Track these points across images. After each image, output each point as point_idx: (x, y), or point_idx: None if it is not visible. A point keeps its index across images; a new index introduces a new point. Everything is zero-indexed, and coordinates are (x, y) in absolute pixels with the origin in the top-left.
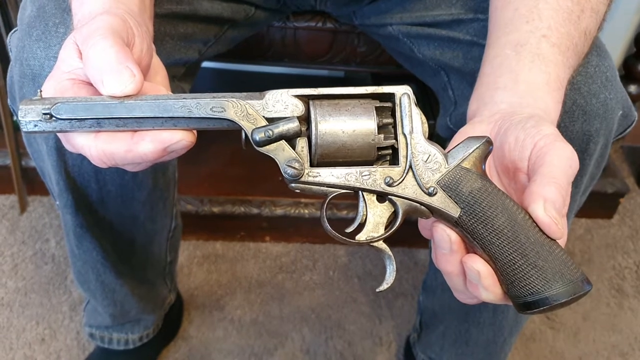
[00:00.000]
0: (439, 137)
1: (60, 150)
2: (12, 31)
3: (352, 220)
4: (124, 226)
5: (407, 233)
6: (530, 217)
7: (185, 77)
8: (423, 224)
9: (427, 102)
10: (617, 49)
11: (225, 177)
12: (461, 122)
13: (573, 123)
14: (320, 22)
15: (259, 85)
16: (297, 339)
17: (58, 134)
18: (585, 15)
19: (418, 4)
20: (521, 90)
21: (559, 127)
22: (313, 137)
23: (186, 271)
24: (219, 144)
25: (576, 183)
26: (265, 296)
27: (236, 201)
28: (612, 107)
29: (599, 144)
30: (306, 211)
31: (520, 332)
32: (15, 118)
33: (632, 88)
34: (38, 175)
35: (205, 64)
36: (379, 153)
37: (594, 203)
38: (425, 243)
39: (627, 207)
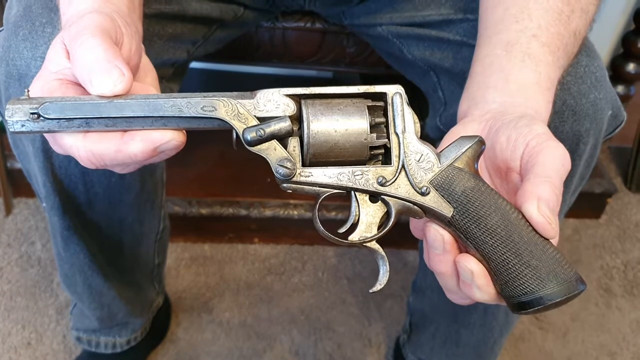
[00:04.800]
0: (429, 137)
1: (47, 151)
2: None
3: (341, 221)
4: (111, 228)
5: (395, 234)
6: (524, 216)
7: (174, 77)
8: (415, 224)
9: (416, 103)
10: (604, 49)
11: (214, 179)
12: (451, 122)
13: (563, 123)
14: (309, 23)
15: (247, 86)
16: (286, 341)
17: (45, 135)
18: (575, 15)
19: (407, 4)
20: (512, 90)
21: (549, 127)
22: (305, 136)
23: (174, 273)
24: (206, 145)
25: (566, 183)
26: (254, 298)
27: (224, 203)
28: (602, 107)
29: (589, 144)
30: (295, 212)
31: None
32: (0, 119)
33: (620, 88)
34: (23, 177)
35: (193, 65)
36: (372, 152)
37: (581, 203)
38: (413, 244)
39: (614, 207)
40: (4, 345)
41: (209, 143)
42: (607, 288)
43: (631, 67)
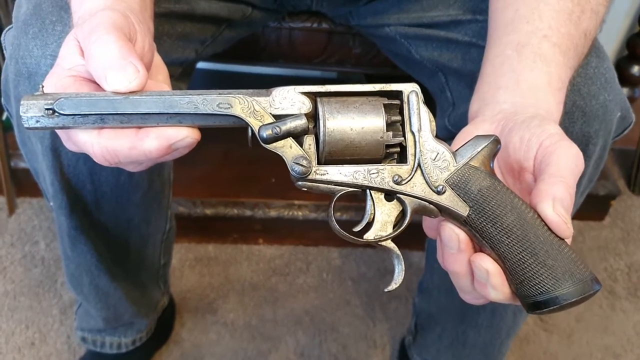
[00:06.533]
0: (437, 137)
1: (55, 150)
2: (7, 29)
3: (346, 222)
4: (118, 228)
5: (401, 234)
6: (539, 216)
7: (182, 77)
8: (428, 223)
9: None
10: (608, 51)
11: (218, 179)
12: (459, 123)
13: (573, 124)
14: (315, 23)
15: (251, 86)
16: (291, 342)
17: (59, 132)
18: (586, 16)
19: (415, 4)
20: (523, 90)
21: None
22: (321, 134)
23: (178, 274)
24: (211, 145)
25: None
26: (259, 299)
27: (229, 203)
28: (611, 109)
29: (598, 146)
30: (300, 213)
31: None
32: (4, 117)
33: (624, 91)
34: (27, 176)
35: (198, 65)
36: (387, 151)
37: (585, 205)
38: (418, 245)
39: (618, 209)
40: (7, 345)
41: (214, 143)
42: (611, 290)
43: (636, 69)
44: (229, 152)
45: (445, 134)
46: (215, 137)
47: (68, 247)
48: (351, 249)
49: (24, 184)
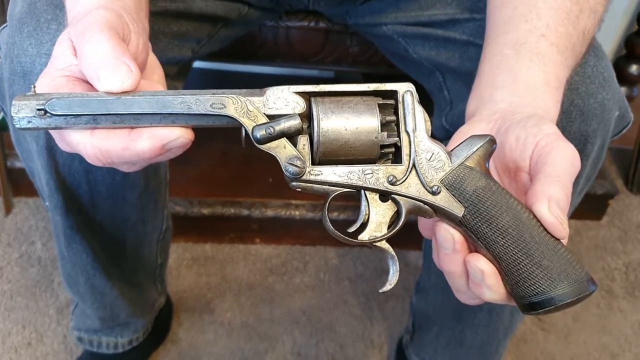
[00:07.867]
0: (434, 137)
1: (50, 149)
2: (1, 27)
3: (344, 222)
4: (114, 228)
5: (397, 234)
6: (535, 216)
7: (178, 76)
8: (423, 224)
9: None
10: (607, 50)
11: (215, 178)
12: (457, 122)
13: (570, 123)
14: (312, 22)
15: (248, 86)
16: (288, 342)
17: (52, 132)
18: (584, 15)
19: (413, 3)
20: (520, 90)
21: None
22: (315, 134)
23: (175, 273)
24: (208, 145)
25: (573, 184)
26: (256, 299)
27: (226, 202)
28: (610, 108)
29: (596, 145)
30: (297, 213)
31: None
32: (1, 116)
33: (623, 89)
34: (24, 176)
35: (195, 64)
36: (382, 151)
37: (583, 204)
38: (415, 245)
39: (616, 208)
40: (4, 346)
41: (211, 142)
42: (609, 289)
43: (634, 68)
44: (226, 151)
45: (443, 133)
46: (212, 136)
47: (64, 247)
48: (348, 248)
49: (20, 184)
